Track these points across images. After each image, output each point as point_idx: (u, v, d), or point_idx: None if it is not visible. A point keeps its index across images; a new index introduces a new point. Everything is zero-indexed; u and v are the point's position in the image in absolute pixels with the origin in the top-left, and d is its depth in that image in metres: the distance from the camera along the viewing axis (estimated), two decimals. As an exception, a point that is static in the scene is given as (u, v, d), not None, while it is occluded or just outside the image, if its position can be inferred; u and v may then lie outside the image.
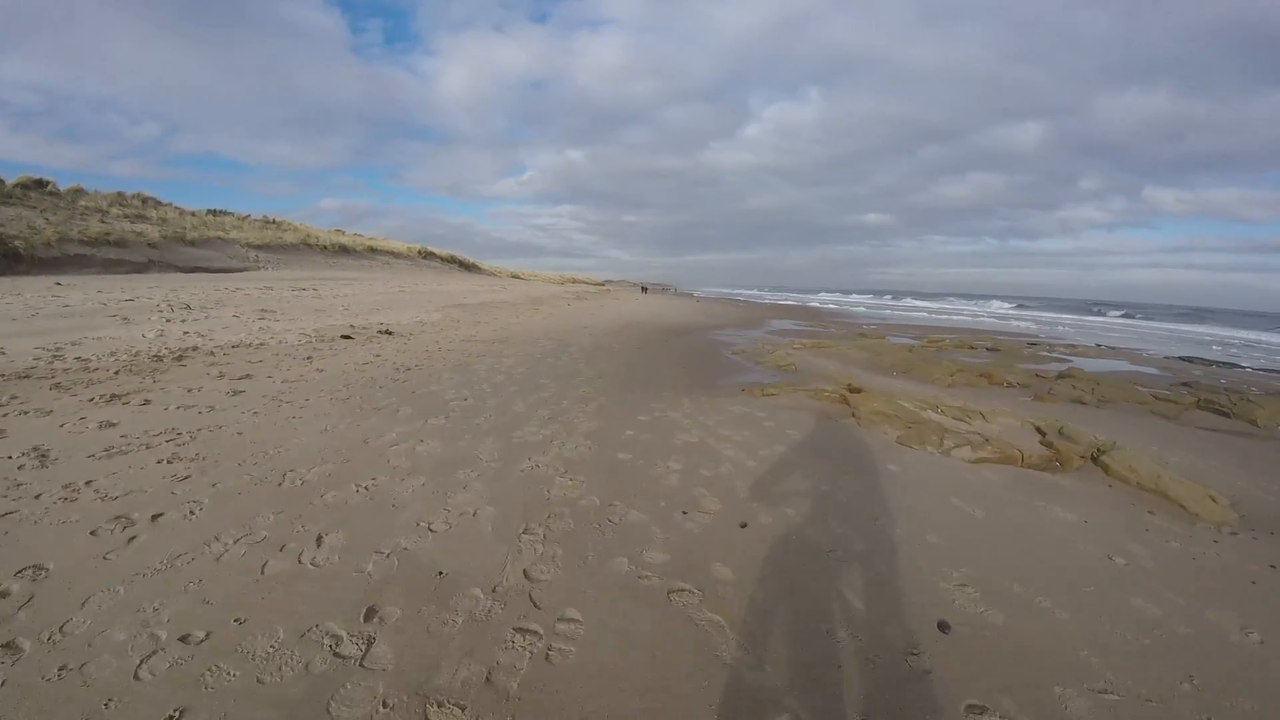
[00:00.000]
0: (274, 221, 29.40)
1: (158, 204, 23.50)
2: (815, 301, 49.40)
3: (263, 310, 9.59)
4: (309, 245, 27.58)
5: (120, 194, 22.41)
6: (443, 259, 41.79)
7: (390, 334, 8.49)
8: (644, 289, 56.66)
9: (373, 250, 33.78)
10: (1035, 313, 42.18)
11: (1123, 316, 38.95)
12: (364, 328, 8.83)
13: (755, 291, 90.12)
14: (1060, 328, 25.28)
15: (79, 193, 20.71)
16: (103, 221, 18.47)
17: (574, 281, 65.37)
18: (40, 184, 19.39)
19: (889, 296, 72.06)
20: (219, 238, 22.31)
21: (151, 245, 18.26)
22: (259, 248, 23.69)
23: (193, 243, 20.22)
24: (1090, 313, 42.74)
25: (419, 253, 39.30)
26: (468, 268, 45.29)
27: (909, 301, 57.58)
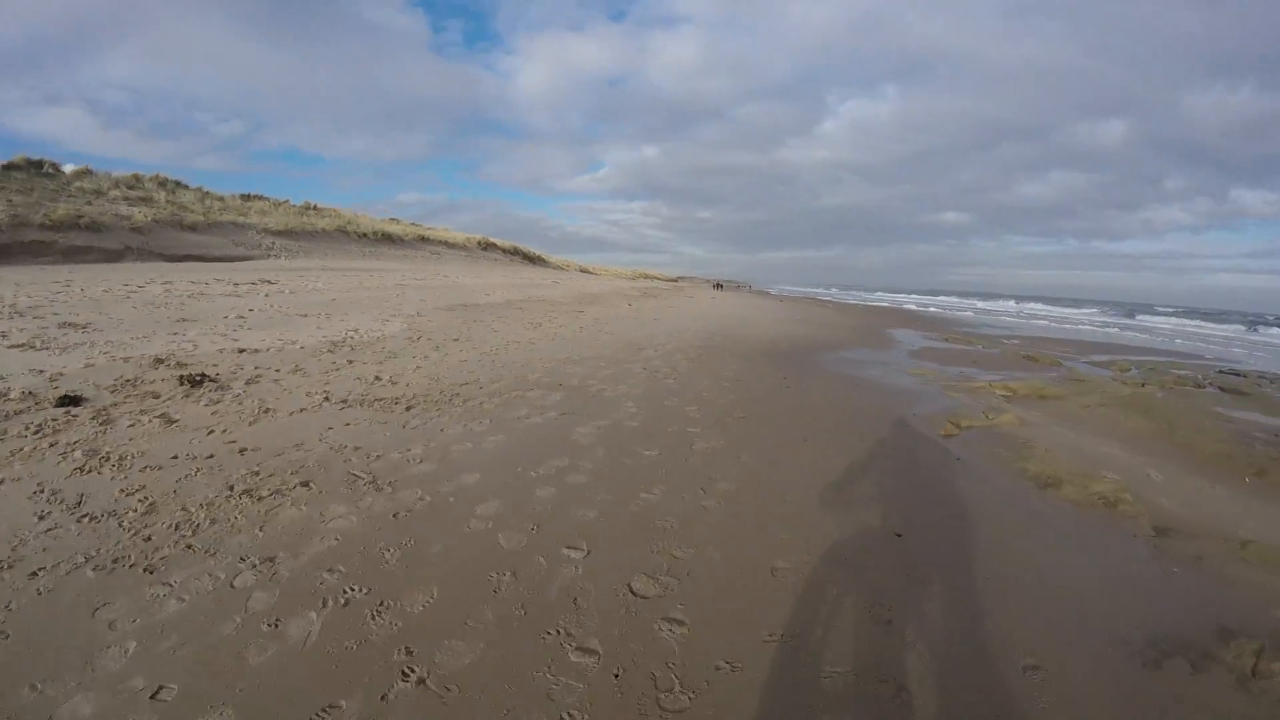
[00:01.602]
0: (313, 207, 26.80)
1: (177, 186, 21.09)
2: (910, 304, 41.50)
3: (69, 324, 5.42)
4: (345, 233, 24.63)
5: (136, 176, 20.13)
6: (504, 250, 38.43)
7: (201, 382, 3.95)
8: (718, 286, 50.69)
9: (423, 239, 30.70)
10: (1135, 319, 33.14)
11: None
12: (189, 363, 4.36)
13: (828, 290, 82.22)
14: (1206, 344, 17.80)
15: (84, 174, 18.46)
16: (88, 204, 15.82)
17: (645, 277, 60.56)
18: (37, 165, 17.14)
19: (954, 297, 63.19)
20: (232, 223, 19.46)
21: (135, 230, 15.36)
22: (281, 234, 20.73)
23: (192, 227, 17.30)
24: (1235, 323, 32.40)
25: (479, 244, 36.10)
26: (531, 260, 41.76)
27: (971, 302, 48.11)
